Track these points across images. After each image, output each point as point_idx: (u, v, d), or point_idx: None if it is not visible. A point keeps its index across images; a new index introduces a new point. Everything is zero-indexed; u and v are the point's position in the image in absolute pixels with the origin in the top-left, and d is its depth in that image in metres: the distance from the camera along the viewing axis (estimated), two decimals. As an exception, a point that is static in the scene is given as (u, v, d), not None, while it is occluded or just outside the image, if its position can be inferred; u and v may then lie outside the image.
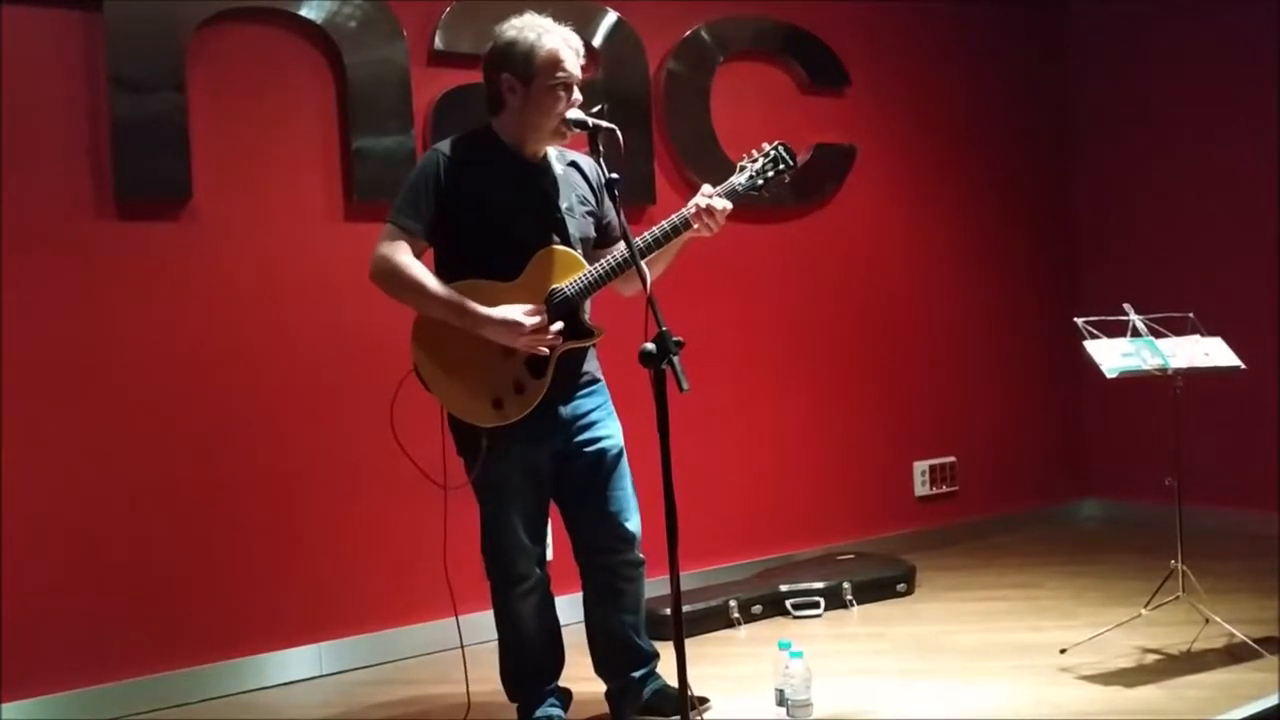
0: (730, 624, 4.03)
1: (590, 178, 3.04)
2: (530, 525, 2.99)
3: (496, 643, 3.10)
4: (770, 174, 2.97)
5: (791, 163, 2.99)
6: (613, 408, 3.08)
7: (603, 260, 2.88)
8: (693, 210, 2.88)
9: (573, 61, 2.86)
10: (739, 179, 2.97)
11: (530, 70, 2.84)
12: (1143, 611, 3.52)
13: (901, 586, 4.33)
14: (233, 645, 3.63)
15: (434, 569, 3.17)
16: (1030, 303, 5.54)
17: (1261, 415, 4.89)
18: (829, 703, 3.15)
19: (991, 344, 5.42)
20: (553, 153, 3.00)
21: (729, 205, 2.91)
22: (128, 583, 3.49)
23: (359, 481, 3.84)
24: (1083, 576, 4.45)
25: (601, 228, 3.05)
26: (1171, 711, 3.00)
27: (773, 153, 2.98)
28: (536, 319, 2.81)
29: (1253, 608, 3.76)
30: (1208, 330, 3.54)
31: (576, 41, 2.90)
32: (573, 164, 3.04)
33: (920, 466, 5.17)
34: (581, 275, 2.86)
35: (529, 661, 3.09)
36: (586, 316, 2.95)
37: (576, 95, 2.87)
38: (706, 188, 2.92)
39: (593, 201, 3.03)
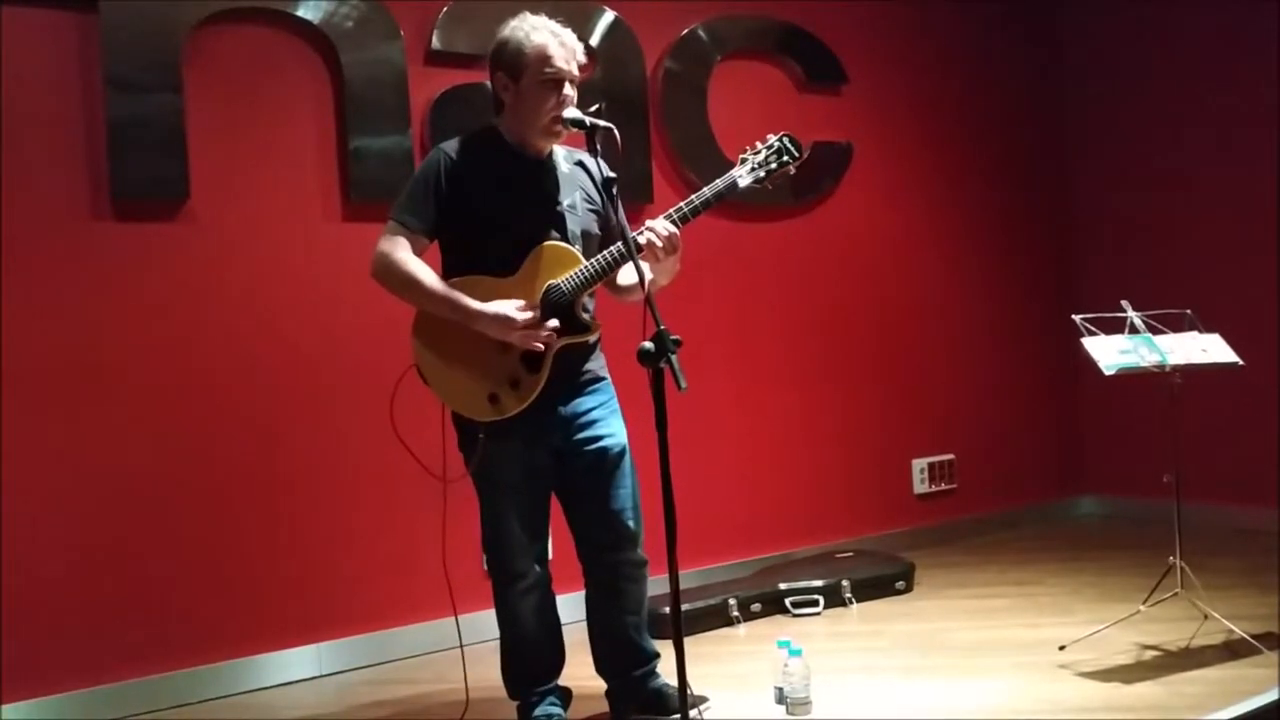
0: (729, 622, 4.03)
1: (595, 177, 3.01)
2: (528, 522, 2.99)
3: (497, 641, 3.10)
4: (774, 166, 2.90)
5: (797, 154, 2.92)
6: (617, 406, 3.06)
7: (599, 255, 2.86)
8: (644, 240, 2.82)
9: (563, 57, 2.84)
10: (739, 172, 2.90)
11: (519, 67, 2.86)
12: (1141, 608, 3.53)
13: (900, 584, 4.34)
14: (232, 646, 3.63)
15: (432, 569, 3.17)
16: (1028, 300, 5.54)
17: (1259, 411, 4.89)
18: (828, 701, 3.15)
19: (990, 341, 5.43)
20: (560, 151, 3.00)
21: (674, 230, 2.84)
22: (127, 583, 3.49)
23: (357, 481, 3.84)
24: (1081, 573, 4.46)
25: (607, 226, 3.01)
26: (1170, 708, 2.99)
27: (776, 144, 2.91)
28: (529, 314, 2.81)
29: (1251, 604, 3.77)
30: (1206, 327, 3.54)
31: (571, 39, 2.89)
32: (579, 163, 3.03)
33: (919, 464, 5.18)
34: (577, 270, 2.86)
35: (529, 660, 3.08)
36: (588, 313, 2.94)
37: (569, 92, 2.86)
38: (654, 221, 2.84)
39: (598, 200, 3.01)
